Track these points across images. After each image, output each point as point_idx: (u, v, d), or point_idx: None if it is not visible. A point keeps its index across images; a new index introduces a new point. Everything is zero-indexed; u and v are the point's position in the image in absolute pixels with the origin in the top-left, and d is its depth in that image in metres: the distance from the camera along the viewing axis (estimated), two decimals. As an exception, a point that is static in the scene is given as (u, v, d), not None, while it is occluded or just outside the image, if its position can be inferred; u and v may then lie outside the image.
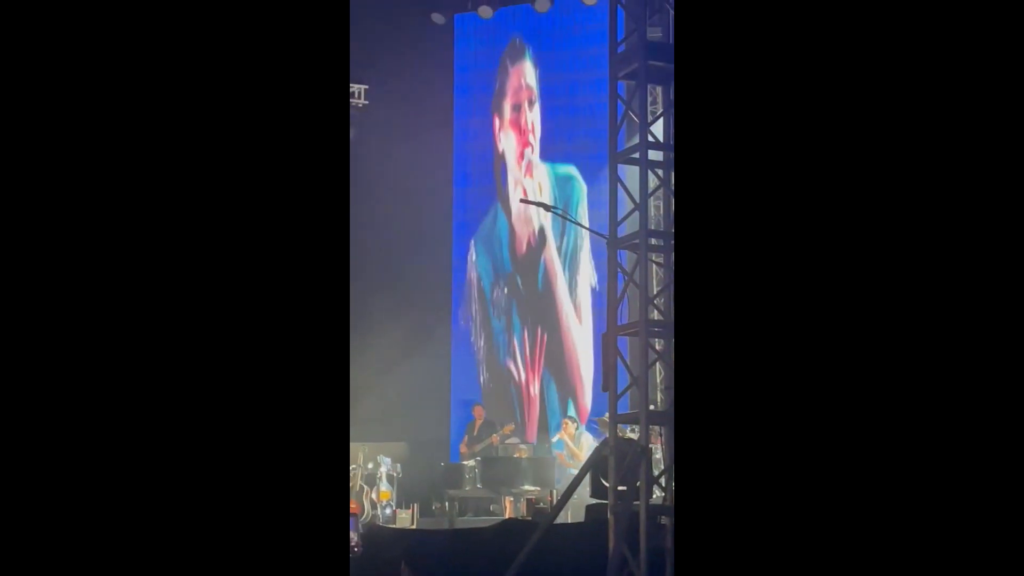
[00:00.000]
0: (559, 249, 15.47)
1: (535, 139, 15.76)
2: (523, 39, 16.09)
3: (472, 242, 16.11)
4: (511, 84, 16.08)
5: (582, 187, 15.25)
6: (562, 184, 15.55)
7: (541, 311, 15.59)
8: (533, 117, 15.87)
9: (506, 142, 16.01)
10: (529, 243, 15.75)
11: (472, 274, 16.03)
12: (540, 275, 15.58)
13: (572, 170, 15.39)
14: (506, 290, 15.84)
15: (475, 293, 15.99)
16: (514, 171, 15.96)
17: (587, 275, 15.21)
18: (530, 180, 15.81)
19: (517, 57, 16.11)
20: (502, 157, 16.04)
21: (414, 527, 12.35)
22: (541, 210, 15.13)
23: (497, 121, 16.13)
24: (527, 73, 15.96)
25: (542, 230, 15.64)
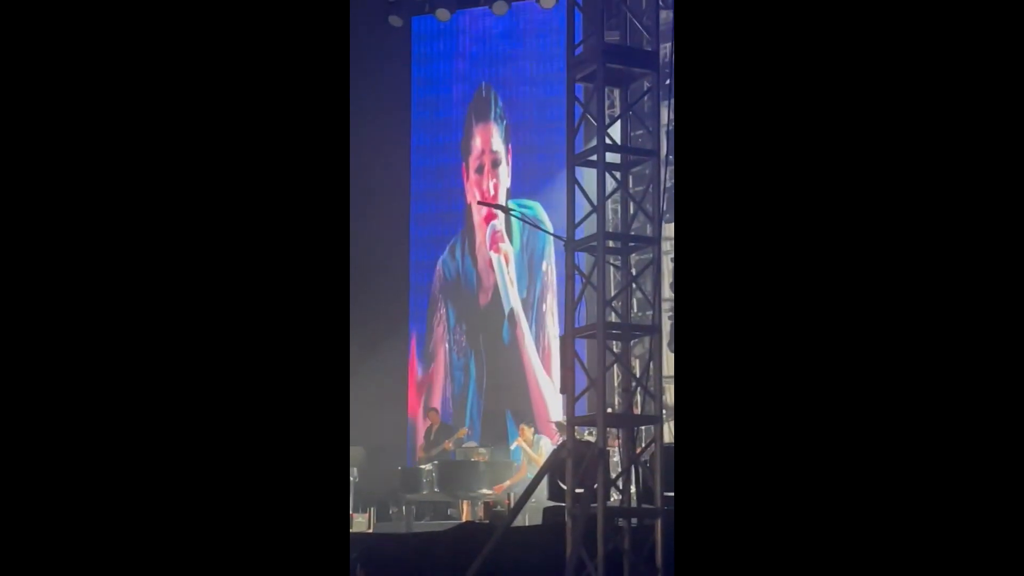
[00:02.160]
0: (524, 299, 15.28)
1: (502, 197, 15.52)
2: (493, 87, 15.78)
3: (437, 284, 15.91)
4: (475, 146, 15.85)
5: (548, 239, 14.99)
6: (529, 240, 15.35)
7: (505, 367, 15.36)
8: (497, 180, 15.68)
9: (473, 197, 15.89)
10: (495, 293, 15.55)
11: (440, 311, 15.85)
12: (504, 329, 15.37)
13: (538, 209, 15.10)
14: (466, 341, 15.66)
15: (441, 335, 15.81)
16: (480, 230, 15.79)
17: (554, 325, 15.00)
18: (499, 243, 15.63)
19: (483, 113, 15.82)
20: (470, 208, 15.91)
21: (371, 531, 12.31)
22: (504, 262, 15.02)
23: (465, 170, 15.97)
24: (494, 137, 15.72)
25: (504, 281, 15.41)
